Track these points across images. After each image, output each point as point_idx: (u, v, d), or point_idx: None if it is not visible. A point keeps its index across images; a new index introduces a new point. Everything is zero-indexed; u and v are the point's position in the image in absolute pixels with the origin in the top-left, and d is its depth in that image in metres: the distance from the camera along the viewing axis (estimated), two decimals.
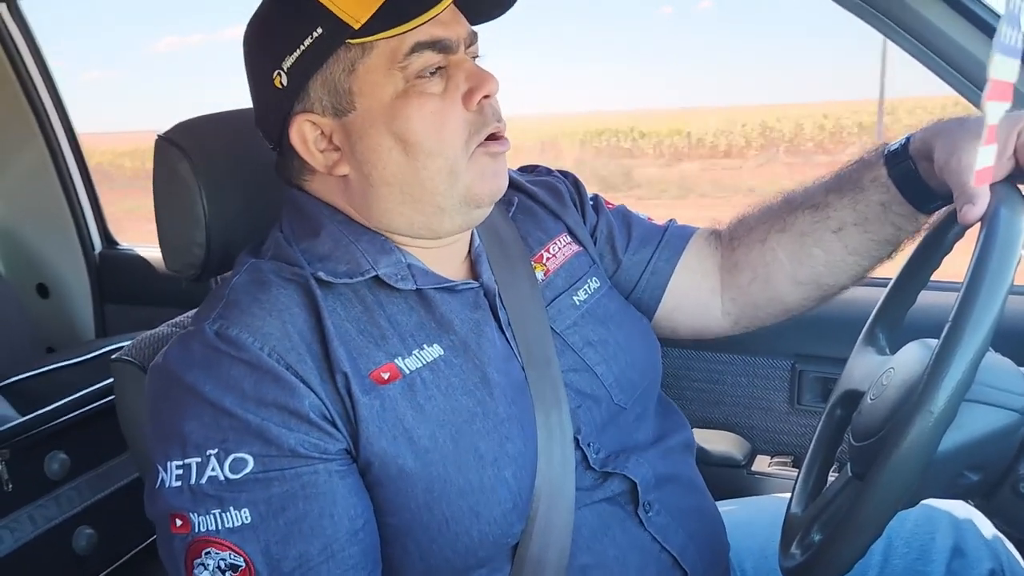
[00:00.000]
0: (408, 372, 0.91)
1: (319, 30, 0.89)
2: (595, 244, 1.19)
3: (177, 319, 1.24)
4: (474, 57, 0.96)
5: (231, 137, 1.16)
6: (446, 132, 0.91)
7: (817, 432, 1.04)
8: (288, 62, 0.91)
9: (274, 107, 0.94)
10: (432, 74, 0.91)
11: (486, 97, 0.93)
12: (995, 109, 0.83)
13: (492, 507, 0.90)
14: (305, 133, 0.93)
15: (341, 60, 0.90)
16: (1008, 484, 0.81)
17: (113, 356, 1.17)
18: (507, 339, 1.00)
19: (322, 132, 0.94)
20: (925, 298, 1.02)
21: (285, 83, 0.92)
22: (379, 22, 0.87)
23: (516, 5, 1.00)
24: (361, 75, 0.90)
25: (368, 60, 0.90)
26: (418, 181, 0.93)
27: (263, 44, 0.95)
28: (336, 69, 0.90)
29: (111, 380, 1.18)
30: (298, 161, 0.97)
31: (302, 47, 0.90)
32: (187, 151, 1.09)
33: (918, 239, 1.03)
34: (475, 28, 0.97)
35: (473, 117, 0.92)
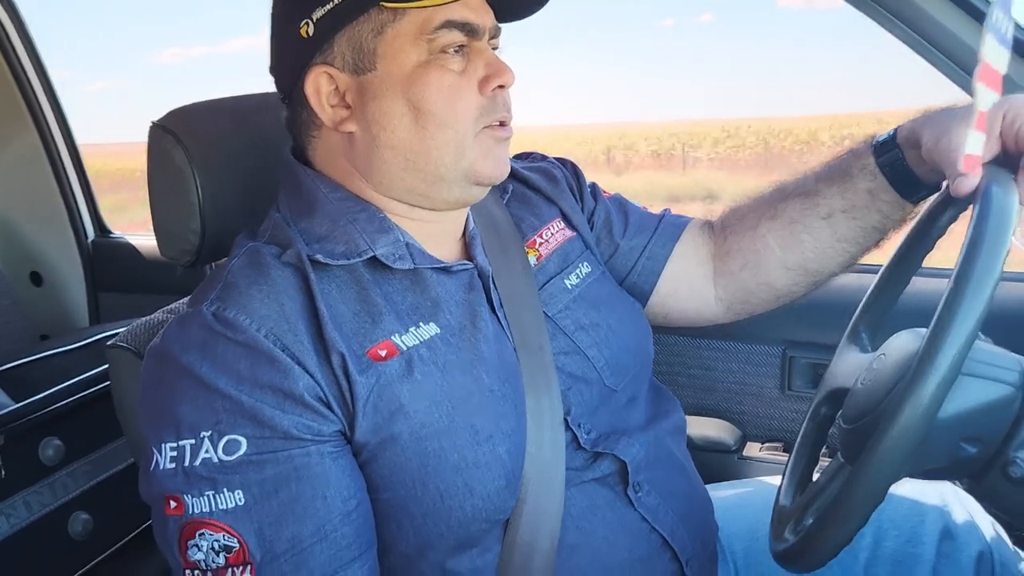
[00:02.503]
0: (405, 348, 0.92)
1: None
2: (592, 229, 1.21)
3: (171, 306, 1.24)
4: (494, 49, 0.99)
5: (225, 123, 1.16)
6: (459, 107, 0.93)
7: (802, 430, 1.05)
8: (318, 13, 0.93)
9: (294, 55, 0.96)
10: (455, 52, 0.93)
11: (501, 87, 0.95)
12: (985, 95, 0.83)
13: (486, 483, 0.91)
14: (320, 85, 0.95)
15: (372, 20, 0.92)
16: (998, 467, 0.82)
17: (108, 342, 1.17)
18: (499, 320, 1.01)
19: (336, 87, 0.95)
20: (907, 291, 1.04)
21: (311, 33, 0.94)
22: None
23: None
24: (388, 38, 0.92)
25: (398, 25, 0.92)
26: (424, 149, 0.94)
27: None
28: (365, 28, 0.93)
29: (106, 366, 1.18)
30: (307, 113, 0.98)
31: (336, 1, 0.92)
32: (181, 138, 1.09)
33: (904, 229, 1.05)
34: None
35: (486, 102, 0.95)
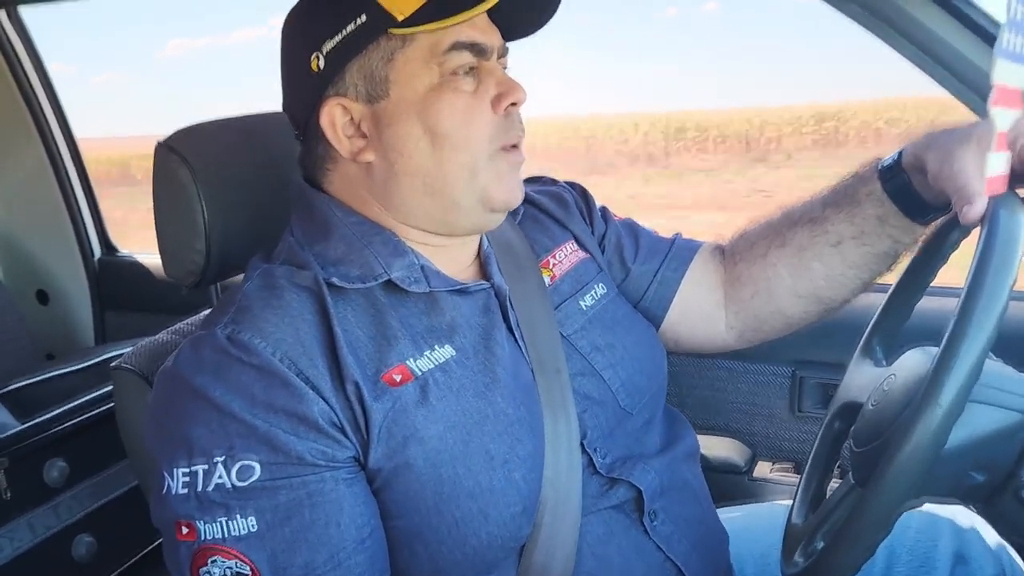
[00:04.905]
0: (420, 373, 0.91)
1: (363, 17, 0.91)
2: (603, 253, 1.20)
3: (177, 326, 1.24)
4: (504, 68, 0.99)
5: (231, 144, 1.16)
6: (473, 128, 0.93)
7: (815, 445, 1.04)
8: (328, 46, 0.93)
9: (307, 90, 0.96)
10: (466, 73, 0.93)
11: (513, 105, 0.95)
12: (1003, 116, 0.83)
13: (502, 509, 0.90)
14: (335, 117, 0.95)
15: (381, 48, 0.92)
16: (1010, 490, 0.81)
17: (113, 364, 1.16)
18: (516, 341, 1.01)
19: (351, 118, 0.95)
20: (921, 306, 1.03)
21: (322, 66, 0.94)
22: (422, 16, 0.90)
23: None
24: (399, 65, 0.92)
25: (407, 51, 0.92)
26: (441, 173, 0.94)
27: (304, 27, 0.97)
28: (375, 56, 0.93)
29: (111, 387, 1.17)
30: (323, 147, 0.98)
31: (344, 32, 0.92)
32: (187, 157, 1.08)
33: (915, 250, 1.04)
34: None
35: (499, 121, 0.95)
